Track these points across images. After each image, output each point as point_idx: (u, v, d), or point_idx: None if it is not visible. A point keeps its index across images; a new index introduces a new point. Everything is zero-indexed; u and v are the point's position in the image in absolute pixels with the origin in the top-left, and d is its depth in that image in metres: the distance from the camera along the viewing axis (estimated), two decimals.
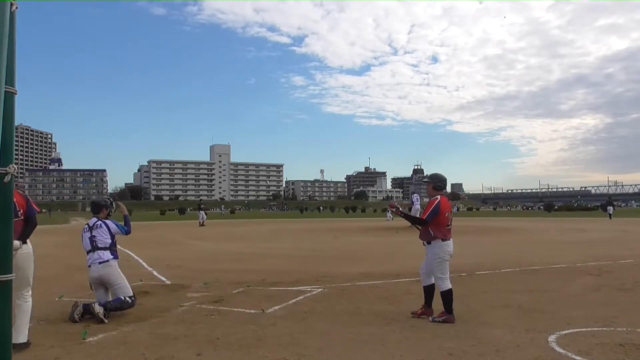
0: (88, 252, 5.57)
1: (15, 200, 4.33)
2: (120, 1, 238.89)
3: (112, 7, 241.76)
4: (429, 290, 5.32)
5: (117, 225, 5.67)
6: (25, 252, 4.33)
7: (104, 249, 5.52)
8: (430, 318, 5.15)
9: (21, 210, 4.40)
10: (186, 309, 5.76)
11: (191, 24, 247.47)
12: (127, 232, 5.77)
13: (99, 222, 5.64)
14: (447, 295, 5.10)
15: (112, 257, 5.52)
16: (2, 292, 2.32)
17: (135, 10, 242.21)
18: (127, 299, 5.40)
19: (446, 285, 5.12)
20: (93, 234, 5.57)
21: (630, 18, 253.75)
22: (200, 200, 39.56)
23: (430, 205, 5.20)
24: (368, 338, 4.43)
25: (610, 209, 38.58)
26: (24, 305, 4.35)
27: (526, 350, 3.97)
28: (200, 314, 5.49)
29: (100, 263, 5.43)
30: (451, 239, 5.28)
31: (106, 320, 5.04)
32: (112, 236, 5.63)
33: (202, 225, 30.40)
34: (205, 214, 33.45)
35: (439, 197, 5.26)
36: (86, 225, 5.70)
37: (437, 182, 5.41)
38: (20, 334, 4.23)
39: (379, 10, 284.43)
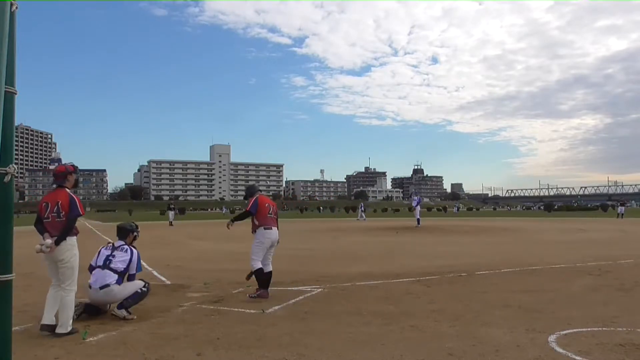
0: (94, 268, 5.32)
1: (60, 201, 4.65)
2: (121, 2, 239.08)
3: (113, 8, 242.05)
4: (266, 275, 6.37)
5: (138, 263, 5.45)
6: (69, 244, 4.63)
7: (114, 271, 5.26)
8: (248, 295, 6.38)
9: (63, 212, 4.63)
10: (186, 309, 5.76)
11: (192, 25, 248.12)
12: (134, 274, 5.45)
13: (126, 247, 5.47)
14: (257, 274, 6.30)
15: (115, 282, 5.23)
16: (2, 292, 2.32)
17: (136, 11, 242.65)
18: (142, 289, 5.38)
19: (255, 265, 6.31)
20: (113, 253, 5.37)
21: (630, 19, 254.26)
22: (171, 200, 40.24)
23: (250, 202, 6.59)
24: (368, 338, 4.43)
25: (621, 209, 39.38)
26: (65, 299, 4.62)
27: (526, 350, 3.97)
28: (200, 314, 5.49)
29: (101, 288, 5.16)
30: (274, 228, 6.50)
31: (134, 316, 5.20)
32: (128, 267, 5.37)
33: (170, 224, 30.78)
34: (175, 214, 33.85)
35: (257, 196, 6.68)
36: (111, 244, 5.52)
37: (247, 191, 6.97)
38: (61, 326, 4.53)
39: (379, 11, 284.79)
